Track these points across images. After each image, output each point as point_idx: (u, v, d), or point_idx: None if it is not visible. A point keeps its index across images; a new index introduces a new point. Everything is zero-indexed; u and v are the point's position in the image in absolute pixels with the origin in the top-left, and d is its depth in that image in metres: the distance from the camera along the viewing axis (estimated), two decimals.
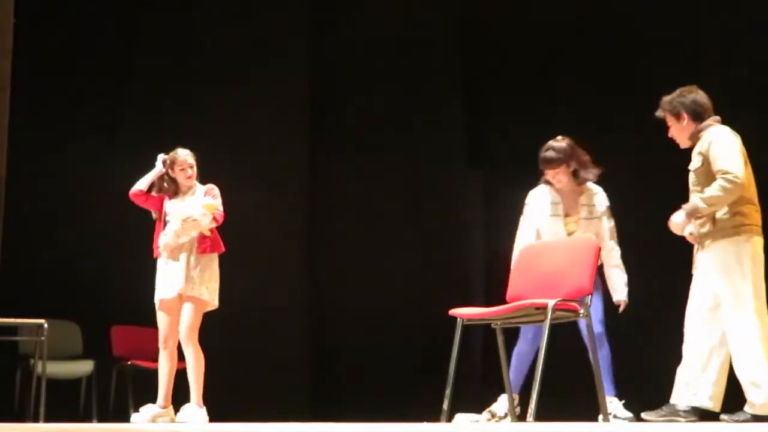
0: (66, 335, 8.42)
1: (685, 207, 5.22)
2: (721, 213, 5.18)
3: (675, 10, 7.89)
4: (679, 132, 5.42)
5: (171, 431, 5.00)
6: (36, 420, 7.29)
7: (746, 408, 5.12)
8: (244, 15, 9.04)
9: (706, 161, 5.21)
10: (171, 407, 6.03)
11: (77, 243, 8.38)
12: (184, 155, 6.16)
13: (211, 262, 6.03)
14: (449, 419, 4.98)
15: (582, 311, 4.71)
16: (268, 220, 8.86)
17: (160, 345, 6.06)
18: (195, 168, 6.17)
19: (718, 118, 5.40)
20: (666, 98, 5.44)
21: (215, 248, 6.05)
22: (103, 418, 8.21)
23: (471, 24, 8.94)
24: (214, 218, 5.99)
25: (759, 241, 5.24)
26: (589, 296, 4.77)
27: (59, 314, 8.10)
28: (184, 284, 5.95)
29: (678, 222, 5.25)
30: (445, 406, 4.88)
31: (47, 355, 7.49)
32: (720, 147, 5.20)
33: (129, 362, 8.32)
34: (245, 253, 8.64)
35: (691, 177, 5.31)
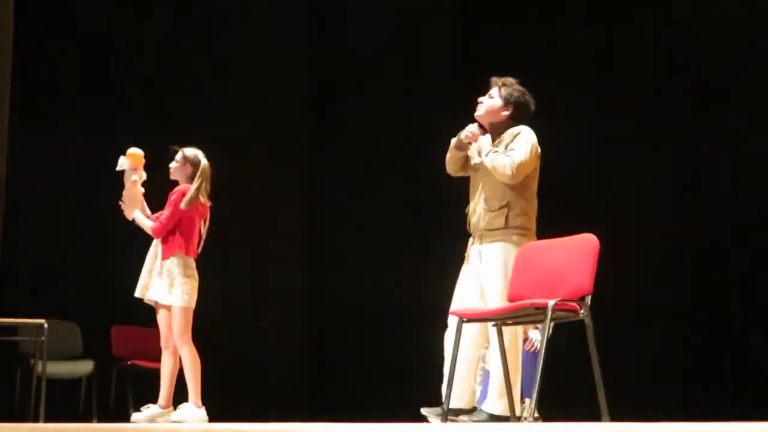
0: (66, 335, 8.42)
1: (485, 145, 5.25)
2: (515, 212, 5.19)
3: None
4: (491, 110, 5.36)
5: (171, 431, 4.99)
6: (36, 420, 7.29)
7: (485, 407, 5.11)
8: (245, 12, 9.06)
9: (505, 148, 5.25)
10: (171, 408, 6.03)
11: (77, 243, 8.37)
12: (178, 151, 6.23)
13: (178, 266, 6.02)
14: (449, 419, 4.98)
15: (582, 311, 4.70)
16: (267, 220, 8.86)
17: (162, 345, 6.08)
18: (175, 164, 6.20)
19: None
20: (511, 81, 5.39)
21: (177, 250, 6.04)
22: (103, 418, 8.20)
23: (471, 21, 8.94)
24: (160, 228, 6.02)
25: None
26: (590, 296, 4.76)
27: (59, 314, 8.10)
28: (155, 293, 6.02)
29: (477, 134, 5.29)
30: (445, 406, 4.88)
31: (47, 355, 7.49)
32: (521, 140, 5.22)
33: (129, 362, 8.32)
34: (245, 254, 8.66)
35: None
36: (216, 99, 8.84)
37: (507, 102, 5.36)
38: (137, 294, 6.10)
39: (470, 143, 5.37)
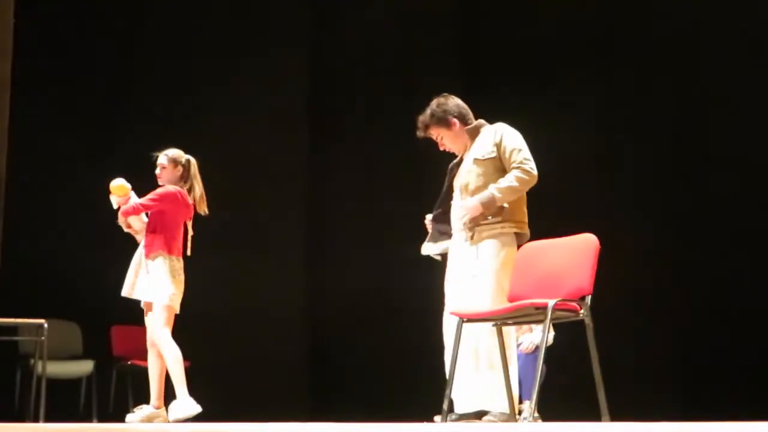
0: (66, 335, 8.43)
1: (481, 197, 5.12)
2: (510, 204, 5.13)
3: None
4: (454, 139, 5.32)
5: (170, 431, 4.99)
6: (36, 420, 7.29)
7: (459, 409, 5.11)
8: (245, 11, 9.07)
9: (498, 150, 5.17)
10: (164, 407, 6.02)
11: (77, 243, 8.37)
12: (160, 155, 6.20)
13: (162, 265, 5.99)
14: (449, 419, 4.97)
15: (582, 311, 4.70)
16: (266, 218, 8.86)
17: (148, 344, 6.08)
18: (164, 169, 6.16)
19: (482, 120, 5.33)
20: (425, 115, 5.31)
21: (159, 249, 6.00)
22: (103, 418, 8.21)
23: (471, 21, 8.94)
24: (132, 208, 6.01)
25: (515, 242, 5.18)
26: (590, 296, 4.76)
27: (59, 314, 8.10)
28: (136, 288, 6.01)
29: (472, 208, 5.11)
30: (445, 406, 4.87)
31: (47, 355, 7.50)
32: (514, 138, 5.19)
33: (129, 362, 8.33)
34: (244, 253, 8.66)
35: (478, 166, 5.20)
36: (215, 99, 8.83)
37: (444, 122, 5.30)
38: (124, 293, 6.09)
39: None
